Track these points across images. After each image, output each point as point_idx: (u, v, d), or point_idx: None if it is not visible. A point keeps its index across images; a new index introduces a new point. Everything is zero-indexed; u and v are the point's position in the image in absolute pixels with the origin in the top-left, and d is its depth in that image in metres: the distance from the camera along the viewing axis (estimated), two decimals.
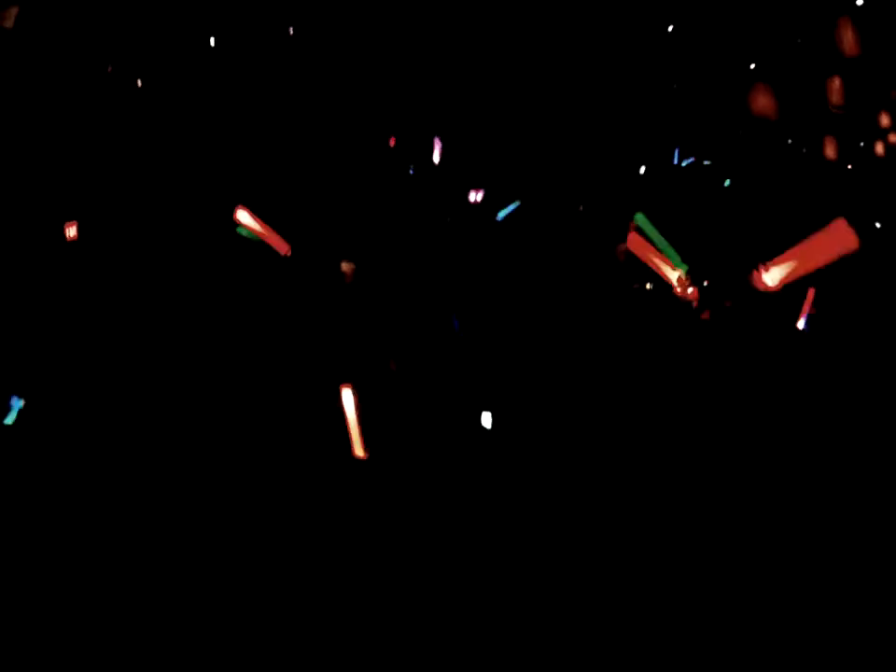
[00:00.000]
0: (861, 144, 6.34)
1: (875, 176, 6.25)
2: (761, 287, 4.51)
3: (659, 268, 5.38)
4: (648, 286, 5.41)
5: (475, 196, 5.87)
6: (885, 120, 6.24)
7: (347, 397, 4.29)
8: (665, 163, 6.38)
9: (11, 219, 4.71)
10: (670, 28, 6.74)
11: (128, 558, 3.67)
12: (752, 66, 6.75)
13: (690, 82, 6.59)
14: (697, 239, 5.62)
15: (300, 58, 5.71)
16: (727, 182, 6.17)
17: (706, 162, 6.31)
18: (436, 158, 5.77)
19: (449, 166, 5.73)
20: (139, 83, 5.33)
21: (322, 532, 3.80)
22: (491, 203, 5.65)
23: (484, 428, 4.29)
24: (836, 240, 4.60)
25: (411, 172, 5.72)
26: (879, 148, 6.27)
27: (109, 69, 5.27)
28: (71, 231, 4.88)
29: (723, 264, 5.38)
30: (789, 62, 6.55)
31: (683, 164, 6.42)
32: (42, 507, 3.86)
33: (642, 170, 6.45)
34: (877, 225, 5.84)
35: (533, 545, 3.69)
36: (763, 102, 6.39)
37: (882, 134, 6.26)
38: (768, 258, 4.95)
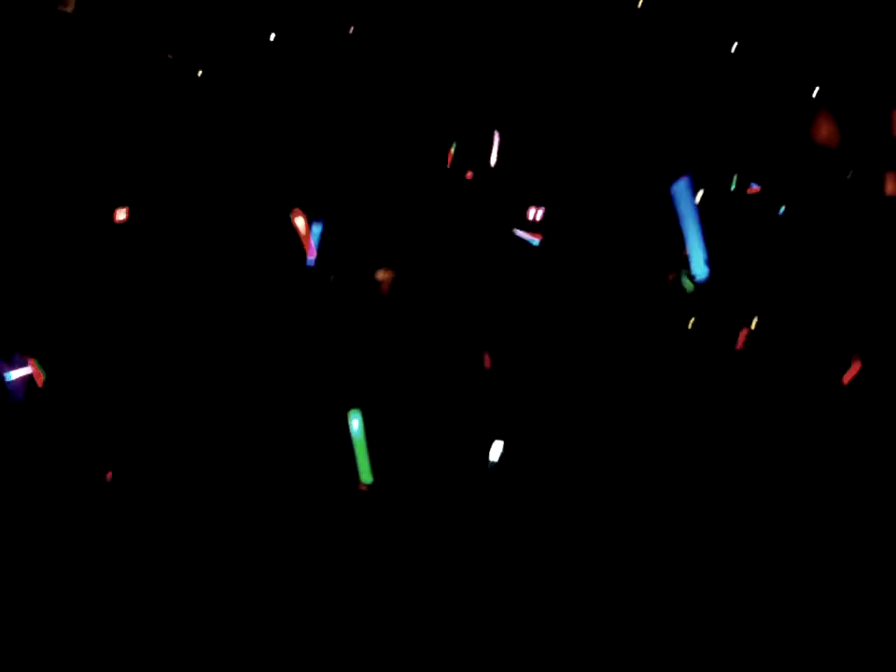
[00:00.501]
0: None
1: None
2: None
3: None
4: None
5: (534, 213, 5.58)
6: None
7: (356, 421, 4.11)
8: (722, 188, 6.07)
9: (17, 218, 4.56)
10: (733, 48, 6.45)
11: (128, 558, 3.67)
12: (815, 93, 6.44)
13: (752, 107, 6.27)
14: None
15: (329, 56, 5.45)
16: (781, 209, 5.87)
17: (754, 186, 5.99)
18: (493, 158, 5.47)
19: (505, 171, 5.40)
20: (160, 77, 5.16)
21: (323, 540, 3.80)
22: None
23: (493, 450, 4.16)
24: None
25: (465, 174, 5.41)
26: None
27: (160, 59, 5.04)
28: (121, 215, 4.66)
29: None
30: (858, 90, 6.22)
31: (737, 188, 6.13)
32: (42, 507, 3.83)
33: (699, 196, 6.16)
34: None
35: (534, 547, 3.70)
36: (826, 130, 6.07)
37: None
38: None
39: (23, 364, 4.20)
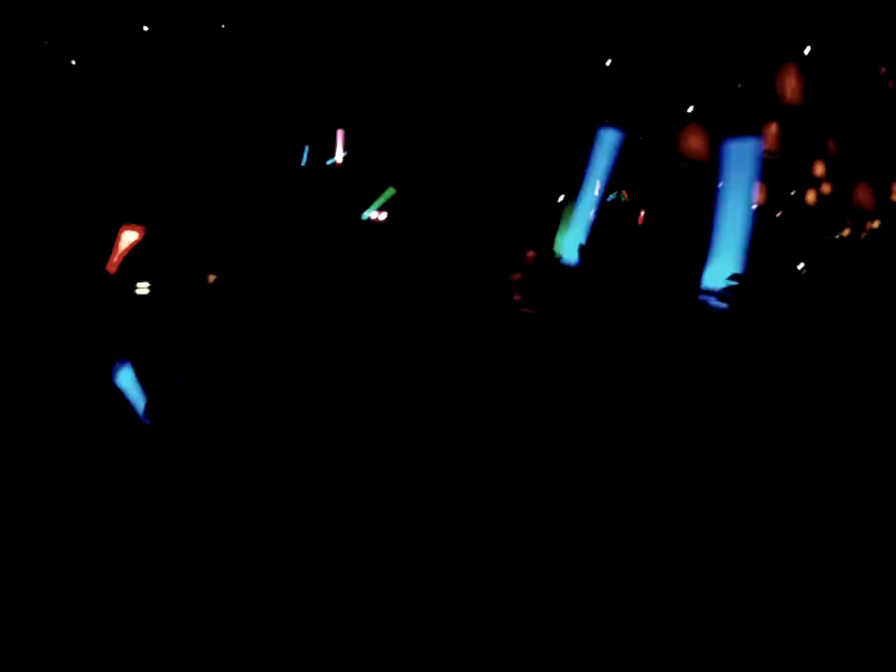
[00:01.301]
0: (793, 192, 6.03)
1: (804, 225, 5.95)
2: None
3: None
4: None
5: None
6: (819, 170, 5.93)
7: None
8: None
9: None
10: (608, 62, 6.51)
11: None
12: (690, 108, 6.48)
13: (626, 118, 6.31)
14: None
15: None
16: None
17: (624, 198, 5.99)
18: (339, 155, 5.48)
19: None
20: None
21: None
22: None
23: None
24: None
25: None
26: (811, 197, 5.96)
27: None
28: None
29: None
30: (726, 104, 6.26)
31: (609, 199, 6.12)
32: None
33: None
34: (800, 267, 5.51)
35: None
36: (695, 142, 6.10)
37: (815, 183, 5.95)
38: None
39: None
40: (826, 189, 6.00)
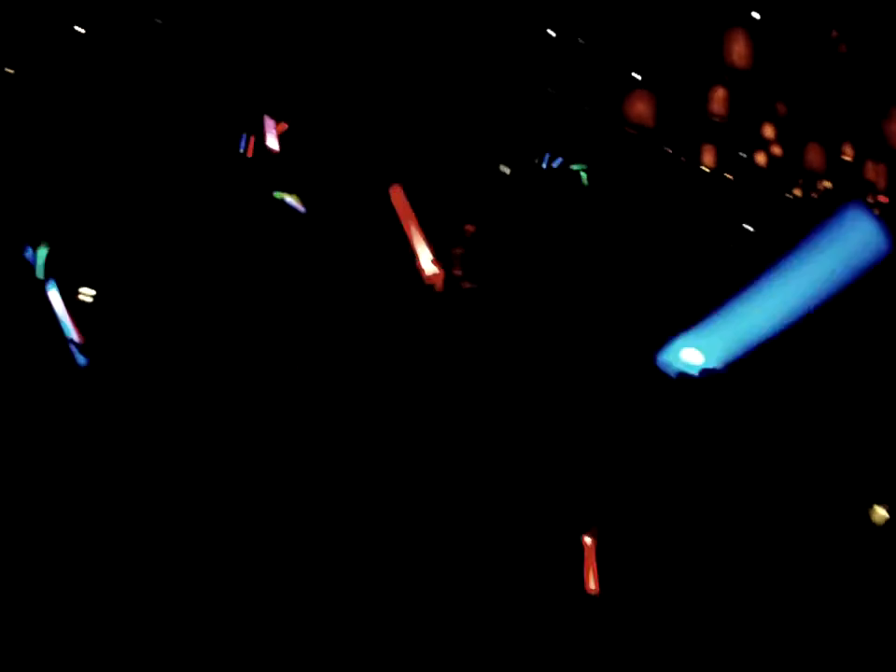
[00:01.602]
0: (743, 154, 5.87)
1: (756, 186, 5.79)
2: None
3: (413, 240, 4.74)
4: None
5: None
6: (769, 132, 5.78)
7: None
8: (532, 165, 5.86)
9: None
10: (550, 30, 6.31)
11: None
12: (634, 73, 6.30)
13: (568, 84, 6.11)
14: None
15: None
16: (584, 178, 5.64)
17: (574, 166, 5.78)
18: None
19: None
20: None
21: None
22: None
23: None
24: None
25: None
26: (761, 159, 5.80)
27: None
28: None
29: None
30: (673, 69, 6.09)
31: (554, 165, 5.92)
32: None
33: (507, 170, 5.94)
34: (750, 229, 5.34)
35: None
36: (640, 108, 5.92)
37: (764, 145, 5.79)
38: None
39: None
40: (776, 150, 5.85)
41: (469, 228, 5.35)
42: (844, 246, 3.55)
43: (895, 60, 5.70)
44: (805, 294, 3.44)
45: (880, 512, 3.95)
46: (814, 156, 5.74)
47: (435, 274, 4.69)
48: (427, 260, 4.63)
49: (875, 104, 5.58)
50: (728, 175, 5.83)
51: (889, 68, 5.66)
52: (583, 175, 5.89)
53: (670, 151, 6.02)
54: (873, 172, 5.66)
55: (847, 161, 5.68)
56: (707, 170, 5.87)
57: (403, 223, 4.77)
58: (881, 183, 5.63)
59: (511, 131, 5.97)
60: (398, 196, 4.94)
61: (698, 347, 3.53)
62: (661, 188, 5.95)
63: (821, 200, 5.64)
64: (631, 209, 5.66)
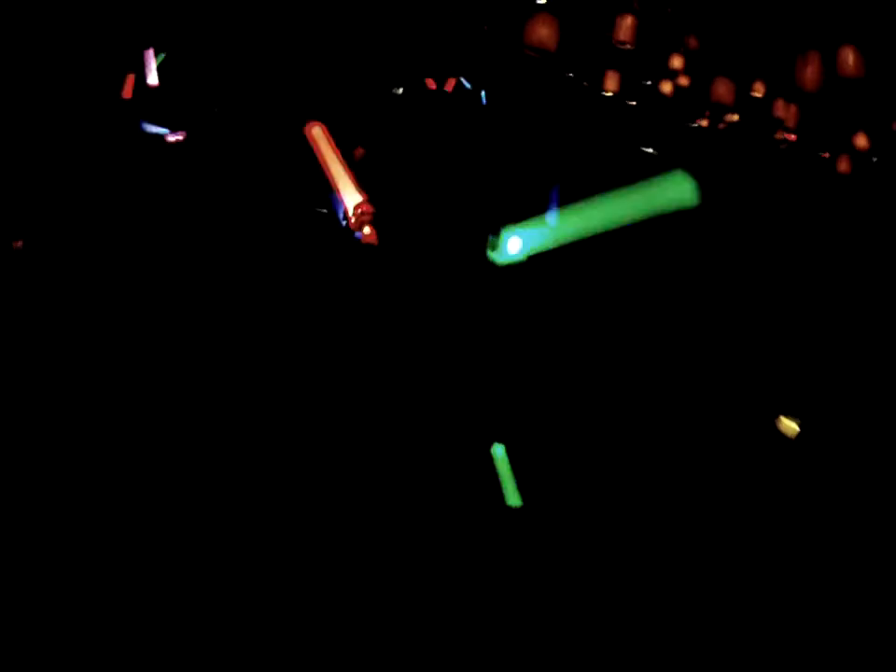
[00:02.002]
0: (649, 83, 5.48)
1: (659, 114, 5.43)
2: None
3: (336, 185, 4.45)
4: None
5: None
6: (677, 62, 5.39)
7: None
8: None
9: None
10: None
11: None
12: None
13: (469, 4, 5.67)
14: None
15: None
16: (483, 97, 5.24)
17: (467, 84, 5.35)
18: None
19: None
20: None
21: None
22: None
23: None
24: None
25: None
26: (667, 88, 5.42)
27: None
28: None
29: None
30: None
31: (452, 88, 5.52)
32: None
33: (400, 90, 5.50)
34: (650, 151, 4.96)
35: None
36: (543, 32, 5.48)
37: (672, 75, 5.41)
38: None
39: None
40: (683, 81, 5.48)
41: (360, 151, 4.98)
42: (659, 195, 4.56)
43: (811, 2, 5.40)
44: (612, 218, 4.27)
45: (789, 424, 4.09)
46: (722, 89, 5.39)
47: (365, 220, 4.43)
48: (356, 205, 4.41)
49: (790, 44, 5.28)
50: (631, 102, 5.50)
51: (806, 9, 5.35)
52: (482, 94, 5.53)
53: (571, 76, 5.66)
54: (783, 110, 5.34)
55: (757, 98, 5.35)
56: (610, 94, 5.52)
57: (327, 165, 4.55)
58: (790, 122, 5.32)
59: (409, 52, 5.56)
60: (318, 135, 4.60)
61: (519, 237, 4.23)
62: (561, 110, 5.60)
63: (728, 132, 5.34)
64: (529, 130, 5.31)
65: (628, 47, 5.57)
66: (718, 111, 5.38)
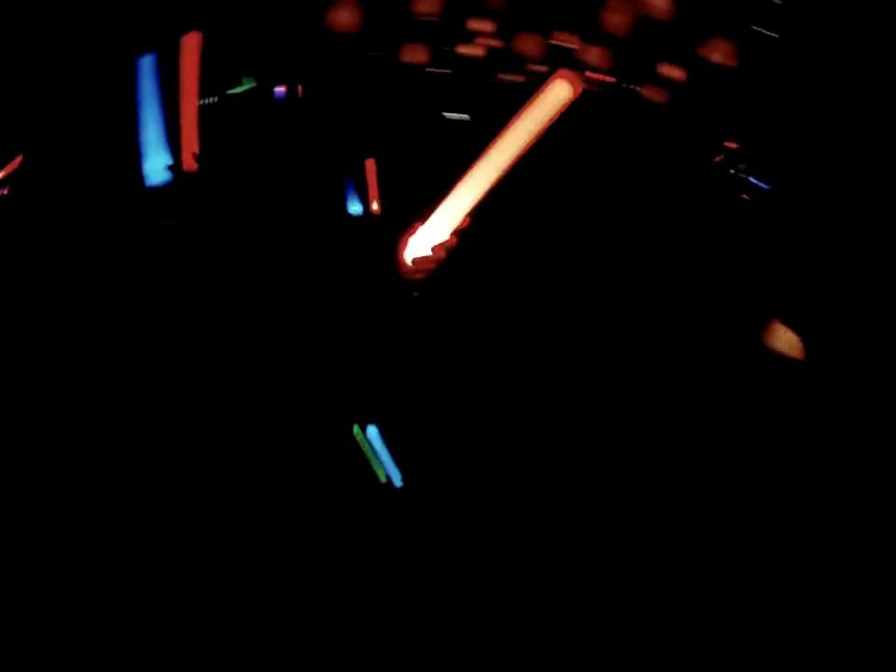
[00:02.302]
0: (454, 50, 5.26)
1: (467, 77, 5.17)
2: None
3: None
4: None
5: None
6: (480, 25, 5.21)
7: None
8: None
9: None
10: None
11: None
12: None
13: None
14: None
15: None
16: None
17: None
18: None
19: None
20: None
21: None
22: None
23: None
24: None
25: None
26: (473, 51, 5.20)
27: None
28: None
29: None
30: None
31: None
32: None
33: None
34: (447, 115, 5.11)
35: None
36: (344, 16, 5.31)
37: (469, 38, 5.22)
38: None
39: None
40: (491, 42, 5.28)
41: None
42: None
43: None
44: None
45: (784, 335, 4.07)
46: (529, 44, 5.19)
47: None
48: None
49: None
50: (437, 70, 5.25)
51: None
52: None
53: (381, 54, 5.42)
54: (593, 55, 5.13)
55: (564, 48, 5.14)
56: (415, 66, 5.26)
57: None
58: (601, 65, 5.10)
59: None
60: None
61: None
62: (369, 88, 5.32)
63: (538, 83, 5.09)
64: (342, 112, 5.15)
65: (431, 17, 5.39)
66: (526, 64, 5.16)
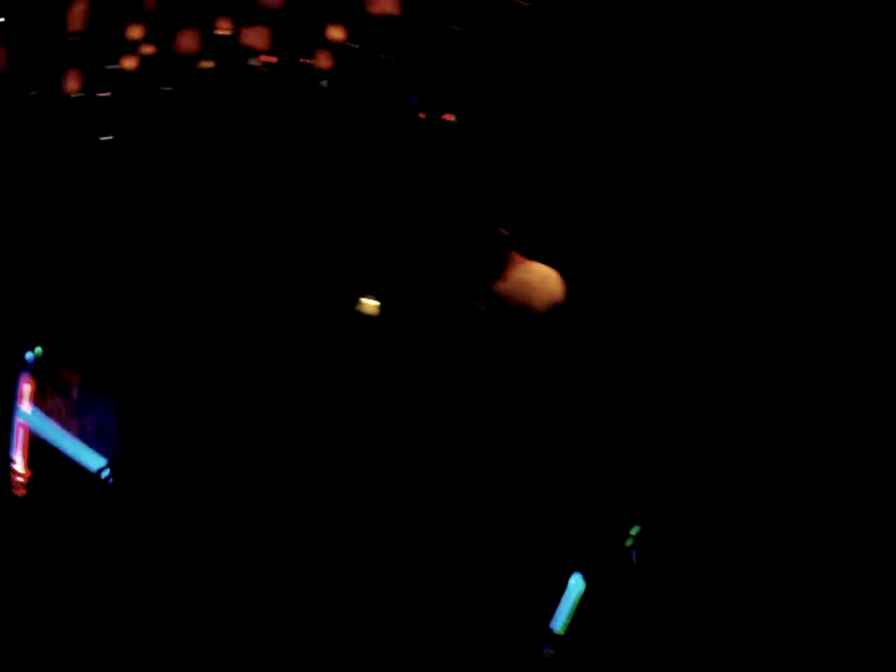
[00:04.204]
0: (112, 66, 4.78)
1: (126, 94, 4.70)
2: None
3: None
4: None
5: None
6: (136, 32, 4.73)
7: None
8: None
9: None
10: None
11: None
12: None
13: None
14: None
15: None
16: None
17: None
18: None
19: None
20: None
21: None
22: None
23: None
24: None
25: None
26: (130, 63, 4.72)
27: None
28: None
29: None
30: None
31: None
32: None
33: None
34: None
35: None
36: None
37: (132, 48, 4.73)
38: None
39: None
40: (147, 49, 4.82)
41: None
42: None
43: None
44: None
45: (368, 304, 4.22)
46: (187, 41, 4.73)
47: None
48: None
49: None
50: (100, 94, 4.77)
51: None
52: None
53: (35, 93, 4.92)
54: (252, 37, 4.68)
55: (224, 35, 4.70)
56: (72, 95, 4.78)
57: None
58: (262, 45, 4.67)
59: None
60: None
61: None
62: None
63: (203, 80, 4.70)
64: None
65: (77, 37, 4.90)
66: (189, 62, 4.71)
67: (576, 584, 3.58)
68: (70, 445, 4.11)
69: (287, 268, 4.49)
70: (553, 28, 4.30)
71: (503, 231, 4.06)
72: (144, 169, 4.75)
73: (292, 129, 4.68)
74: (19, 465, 4.05)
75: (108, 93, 4.81)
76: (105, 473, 4.06)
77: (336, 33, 4.53)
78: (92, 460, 4.10)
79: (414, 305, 4.33)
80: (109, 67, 4.80)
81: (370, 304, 4.34)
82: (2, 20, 4.87)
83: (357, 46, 4.54)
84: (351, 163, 4.59)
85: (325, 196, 4.58)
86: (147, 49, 4.81)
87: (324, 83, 4.71)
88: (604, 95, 4.23)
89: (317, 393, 4.18)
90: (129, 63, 4.78)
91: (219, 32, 4.72)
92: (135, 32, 4.84)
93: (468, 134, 4.46)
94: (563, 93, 4.28)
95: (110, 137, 4.80)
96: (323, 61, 4.53)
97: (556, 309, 4.00)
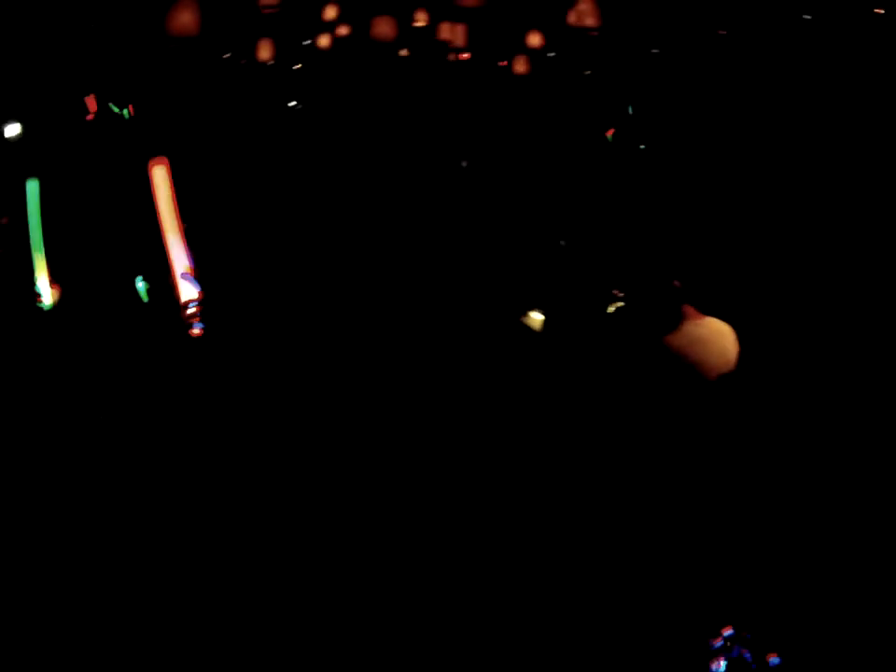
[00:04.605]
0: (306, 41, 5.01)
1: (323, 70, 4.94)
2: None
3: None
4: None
5: None
6: (331, 13, 4.97)
7: None
8: None
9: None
10: None
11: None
12: None
13: None
14: None
15: None
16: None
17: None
18: None
19: None
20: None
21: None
22: None
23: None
24: None
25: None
26: (324, 41, 4.96)
27: None
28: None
29: None
30: None
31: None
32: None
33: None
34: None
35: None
36: (185, 18, 5.02)
37: (328, 28, 4.97)
38: None
39: None
40: (342, 30, 5.05)
41: None
42: None
43: None
44: None
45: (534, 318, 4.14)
46: (383, 27, 4.96)
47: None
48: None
49: None
50: (294, 66, 4.98)
51: None
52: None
53: (228, 56, 5.13)
54: (449, 32, 4.93)
55: (420, 27, 4.94)
56: (268, 64, 4.99)
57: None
58: (458, 41, 4.91)
59: None
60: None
61: None
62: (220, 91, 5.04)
63: (397, 68, 4.90)
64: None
65: (275, 9, 5.15)
66: (384, 50, 4.94)
67: None
68: None
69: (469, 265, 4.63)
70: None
71: (676, 283, 4.01)
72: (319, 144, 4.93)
73: (480, 127, 4.84)
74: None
75: (299, 66, 5.02)
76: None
77: (534, 39, 4.78)
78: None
79: (579, 339, 4.45)
80: (304, 42, 5.02)
81: (535, 319, 4.39)
82: None
83: (553, 54, 4.78)
84: (533, 174, 4.69)
85: (503, 201, 4.73)
86: (342, 31, 5.04)
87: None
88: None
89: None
90: (323, 41, 5.00)
91: (416, 24, 4.96)
92: (331, 12, 5.08)
93: (658, 170, 4.58)
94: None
95: (295, 104, 4.94)
96: (519, 65, 4.77)
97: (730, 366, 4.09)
